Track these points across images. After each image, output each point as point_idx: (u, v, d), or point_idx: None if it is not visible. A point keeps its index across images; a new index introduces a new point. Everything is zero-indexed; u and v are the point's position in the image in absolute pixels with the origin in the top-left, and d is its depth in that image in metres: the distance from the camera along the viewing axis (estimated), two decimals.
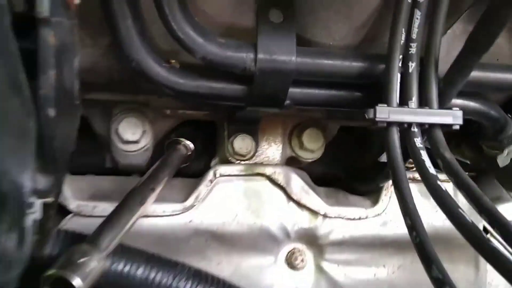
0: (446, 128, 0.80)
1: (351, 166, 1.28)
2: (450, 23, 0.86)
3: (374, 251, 1.11)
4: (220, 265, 1.05)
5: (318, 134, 1.10)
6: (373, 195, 1.12)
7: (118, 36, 0.78)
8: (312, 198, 1.07)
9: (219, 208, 1.03)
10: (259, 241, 1.05)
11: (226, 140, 1.07)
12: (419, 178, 1.12)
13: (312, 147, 1.10)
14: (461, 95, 0.90)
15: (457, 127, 0.80)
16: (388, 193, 1.11)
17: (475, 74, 0.87)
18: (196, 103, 1.00)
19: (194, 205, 1.02)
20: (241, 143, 1.05)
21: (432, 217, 1.11)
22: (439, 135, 0.80)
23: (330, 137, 1.18)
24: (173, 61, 0.84)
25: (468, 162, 1.13)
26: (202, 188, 1.03)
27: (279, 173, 1.05)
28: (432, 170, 0.76)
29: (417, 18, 0.79)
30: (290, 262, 1.09)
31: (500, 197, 1.34)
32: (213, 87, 0.85)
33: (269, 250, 1.07)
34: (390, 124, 0.79)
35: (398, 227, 1.10)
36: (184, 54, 0.86)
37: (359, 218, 1.08)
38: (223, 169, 1.04)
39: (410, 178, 1.13)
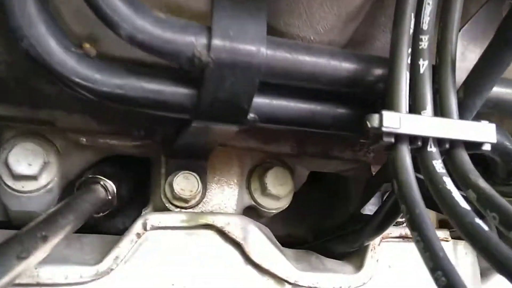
0: (472, 148, 0.58)
1: (323, 223, 1.03)
2: (464, 19, 0.67)
3: None
4: None
5: (285, 175, 0.84)
6: (355, 258, 0.86)
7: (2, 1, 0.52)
8: (278, 261, 0.79)
9: (149, 274, 0.73)
10: None
11: (163, 180, 0.79)
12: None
13: (278, 192, 0.84)
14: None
15: (488, 147, 0.58)
16: (375, 255, 0.85)
17: (494, 90, 0.67)
18: (119, 113, 0.73)
19: (113, 269, 0.71)
20: (183, 183, 0.77)
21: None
22: (465, 157, 0.57)
23: (299, 184, 0.93)
24: (88, 45, 0.58)
25: None
26: (125, 245, 0.73)
27: (234, 225, 0.77)
28: (464, 204, 0.52)
29: (428, 4, 0.59)
30: None
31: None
32: (146, 88, 0.59)
33: None
34: (400, 139, 0.55)
35: None
36: (106, 41, 0.61)
37: None
38: (156, 218, 0.75)
39: (401, 236, 0.89)
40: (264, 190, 0.84)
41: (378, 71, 0.63)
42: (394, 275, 0.85)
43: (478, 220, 0.50)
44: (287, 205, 0.87)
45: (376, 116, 0.53)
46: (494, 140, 0.57)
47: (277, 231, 0.91)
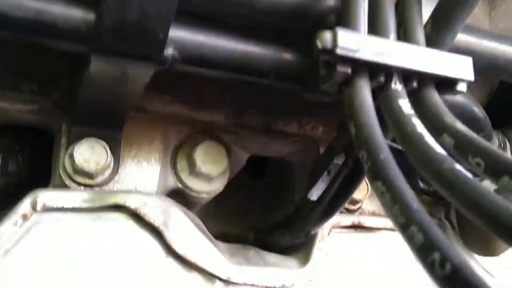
0: (444, 88, 0.47)
1: (266, 219, 0.89)
2: None
3: None
4: None
5: (218, 151, 0.70)
6: (301, 251, 0.72)
7: None
8: (207, 252, 0.64)
9: (39, 269, 0.56)
10: None
11: (63, 151, 0.63)
12: (366, 224, 0.78)
13: (209, 170, 0.69)
14: None
15: (464, 87, 0.47)
16: (324, 247, 0.71)
17: (463, 38, 0.57)
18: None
19: None
20: (87, 153, 0.61)
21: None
22: (436, 98, 0.45)
23: (236, 169, 0.79)
24: None
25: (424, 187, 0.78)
26: (6, 230, 0.56)
27: (152, 207, 0.61)
28: (440, 149, 0.40)
29: None
30: None
31: None
32: (26, 5, 0.44)
33: None
34: (358, 69, 0.43)
35: None
36: None
37: (282, 287, 0.67)
38: (50, 196, 0.58)
39: (353, 226, 0.77)
40: (192, 169, 0.69)
41: (330, 1, 0.51)
42: (345, 271, 0.71)
43: (459, 167, 0.38)
44: (220, 189, 0.72)
45: (328, 34, 0.41)
46: (472, 78, 0.46)
47: (210, 229, 0.75)
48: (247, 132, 0.73)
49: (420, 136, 0.41)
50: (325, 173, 0.72)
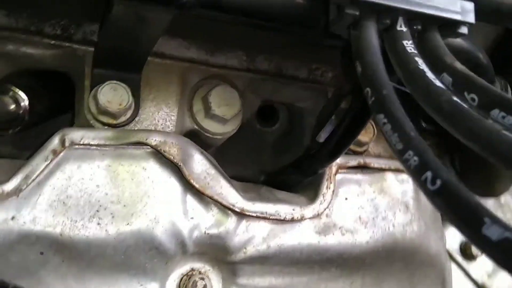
0: (447, 31, 0.49)
1: (276, 162, 0.93)
2: None
3: (311, 272, 0.75)
4: None
5: (232, 95, 0.74)
6: (310, 189, 0.77)
7: None
8: (223, 188, 0.69)
9: (68, 199, 0.62)
10: (135, 256, 0.64)
11: (87, 93, 0.67)
12: (372, 165, 0.82)
13: (224, 112, 0.73)
14: None
15: (465, 30, 0.50)
16: (331, 185, 0.76)
17: None
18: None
19: (22, 190, 0.59)
20: (110, 94, 0.66)
21: (390, 222, 0.78)
22: (439, 40, 0.48)
23: (248, 113, 0.83)
24: None
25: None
26: (38, 163, 0.61)
27: (172, 144, 0.66)
28: (439, 83, 0.43)
29: None
30: None
31: None
32: None
33: (152, 273, 0.66)
34: (366, 11, 0.46)
35: (345, 234, 0.75)
36: None
37: (292, 220, 0.72)
38: (77, 133, 0.63)
39: (359, 166, 0.81)
40: (208, 111, 0.73)
41: None
42: (350, 208, 0.77)
43: (456, 98, 0.42)
44: (234, 131, 0.77)
45: None
46: (473, 20, 0.49)
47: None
48: (259, 77, 0.77)
49: (422, 72, 0.44)
50: (333, 116, 0.76)
